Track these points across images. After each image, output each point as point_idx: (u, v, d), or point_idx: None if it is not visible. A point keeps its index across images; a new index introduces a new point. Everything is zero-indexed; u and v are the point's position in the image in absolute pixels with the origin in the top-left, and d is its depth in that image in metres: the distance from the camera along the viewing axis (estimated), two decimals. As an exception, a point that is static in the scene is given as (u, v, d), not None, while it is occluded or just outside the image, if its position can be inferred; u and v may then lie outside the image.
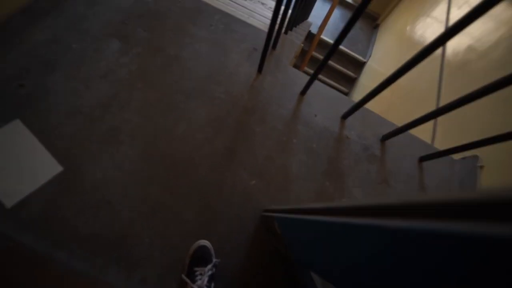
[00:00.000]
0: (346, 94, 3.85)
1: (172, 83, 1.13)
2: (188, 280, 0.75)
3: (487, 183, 1.13)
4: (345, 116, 1.22)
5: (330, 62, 3.64)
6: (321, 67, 1.01)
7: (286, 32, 1.48)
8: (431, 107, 1.63)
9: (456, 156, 1.26)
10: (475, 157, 1.19)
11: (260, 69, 1.21)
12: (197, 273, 0.76)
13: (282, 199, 1.02)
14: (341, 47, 3.73)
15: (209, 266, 0.77)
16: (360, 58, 3.76)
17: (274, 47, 1.31)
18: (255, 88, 1.19)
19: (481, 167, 1.17)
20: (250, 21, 1.47)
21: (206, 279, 0.74)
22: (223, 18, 1.38)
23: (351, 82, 3.85)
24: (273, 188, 1.03)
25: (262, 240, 0.94)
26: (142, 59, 1.15)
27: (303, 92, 1.21)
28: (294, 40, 1.45)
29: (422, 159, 1.24)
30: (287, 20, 1.35)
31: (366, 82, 3.45)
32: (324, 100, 1.26)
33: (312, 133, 1.16)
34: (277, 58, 1.32)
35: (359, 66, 3.80)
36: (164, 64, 1.17)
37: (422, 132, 1.29)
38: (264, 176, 1.04)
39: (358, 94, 3.46)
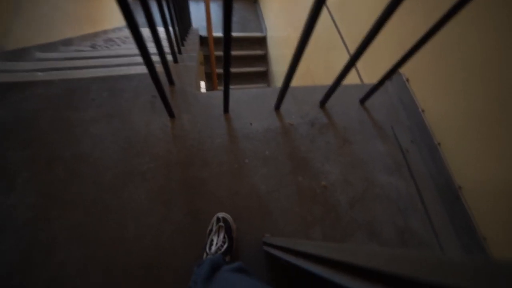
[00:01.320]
0: (268, 86, 3.91)
1: (90, 185, 0.96)
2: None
3: (417, 90, 1.20)
4: (277, 106, 1.19)
5: (237, 53, 3.63)
6: (227, 72, 0.94)
7: (176, 60, 1.38)
8: (342, 52, 1.69)
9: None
10: (399, 74, 1.26)
11: (171, 114, 1.10)
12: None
13: (270, 225, 0.95)
14: (237, 34, 3.74)
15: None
16: (259, 34, 3.82)
17: (171, 83, 1.20)
18: (178, 136, 1.08)
19: (407, 80, 1.24)
20: (133, 70, 1.33)
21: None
22: (102, 84, 1.22)
23: (264, 76, 3.92)
24: (256, 220, 0.95)
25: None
26: (37, 183, 0.96)
27: (226, 109, 1.14)
28: (187, 64, 1.35)
29: (362, 100, 1.27)
30: (175, 42, 1.25)
31: (276, 51, 3.53)
32: (250, 104, 1.20)
33: (258, 142, 1.10)
34: (181, 91, 1.22)
35: (262, 42, 3.87)
36: (68, 172, 0.98)
37: (348, 76, 1.33)
38: (241, 215, 0.95)
39: (278, 75, 3.52)
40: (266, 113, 1.18)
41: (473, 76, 0.95)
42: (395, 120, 1.28)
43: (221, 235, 0.81)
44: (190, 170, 1.01)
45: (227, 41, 0.73)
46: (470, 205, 1.07)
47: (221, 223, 0.85)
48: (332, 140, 1.16)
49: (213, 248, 0.78)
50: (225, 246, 0.80)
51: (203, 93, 1.25)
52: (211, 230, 0.86)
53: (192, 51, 1.64)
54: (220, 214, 0.90)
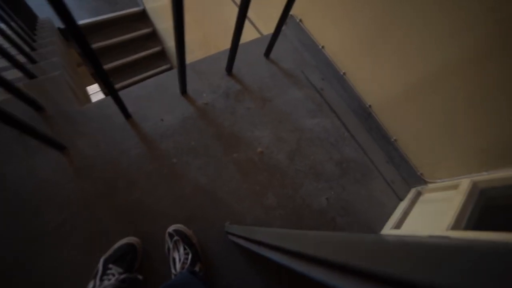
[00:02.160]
0: (170, 68, 3.52)
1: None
2: (100, 269, 0.69)
3: (312, 28, 1.24)
4: (183, 90, 1.07)
5: (118, 39, 3.10)
6: (100, 72, 0.76)
7: (31, 75, 1.06)
8: (232, 7, 1.58)
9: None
10: (291, 16, 1.26)
11: (59, 147, 0.87)
12: (109, 271, 0.68)
13: (227, 211, 0.92)
14: (106, 16, 3.14)
15: (124, 276, 0.67)
16: (136, 9, 3.29)
17: (38, 109, 0.93)
18: (82, 168, 0.88)
19: (301, 20, 1.25)
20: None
21: (111, 283, 0.65)
22: None
23: (162, 56, 3.48)
24: (211, 214, 0.90)
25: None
26: None
27: (126, 115, 0.96)
28: (50, 76, 1.05)
29: (267, 54, 1.25)
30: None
31: (164, 23, 3.15)
32: (152, 98, 1.05)
33: (178, 137, 1.00)
34: (59, 114, 0.97)
35: (143, 17, 3.38)
36: None
37: (247, 33, 1.27)
38: (195, 215, 0.89)
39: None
40: (175, 101, 1.06)
41: (356, 1, 1.00)
42: (302, 63, 1.31)
43: (181, 249, 0.76)
44: (117, 197, 0.86)
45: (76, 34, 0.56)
46: (380, 117, 1.24)
47: (176, 237, 0.79)
48: (252, 105, 1.13)
49: (178, 265, 0.72)
50: (189, 257, 0.75)
51: (91, 104, 1.02)
52: (168, 248, 0.79)
53: (52, 54, 1.29)
54: (170, 229, 0.82)
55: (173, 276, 0.74)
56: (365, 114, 1.30)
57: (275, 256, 0.39)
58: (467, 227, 0.96)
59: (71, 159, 0.89)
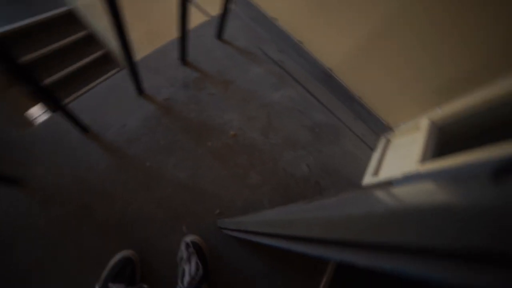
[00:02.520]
0: (120, 70, 3.24)
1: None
2: None
3: (260, 2, 1.21)
4: (139, 90, 1.01)
5: (49, 48, 2.77)
6: (34, 86, 0.69)
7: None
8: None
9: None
10: (233, -9, 1.21)
11: (13, 181, 0.79)
12: None
13: (214, 202, 0.92)
14: (30, 21, 2.77)
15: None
16: (62, 9, 2.94)
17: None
18: (49, 197, 0.81)
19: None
20: None
21: None
22: None
23: (107, 60, 3.17)
24: (198, 208, 0.90)
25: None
26: None
27: (82, 129, 0.89)
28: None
29: (219, 35, 1.21)
30: None
31: (103, 22, 2.88)
32: (107, 104, 0.97)
33: (145, 138, 0.95)
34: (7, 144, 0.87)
35: (74, 18, 3.04)
36: None
37: (194, 17, 1.20)
38: (181, 213, 0.87)
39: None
40: (133, 103, 0.99)
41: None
42: (257, 39, 1.29)
43: (193, 263, 0.74)
44: (97, 216, 0.82)
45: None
46: (342, 78, 1.28)
47: (191, 249, 0.77)
48: (214, 90, 1.10)
49: (186, 279, 0.71)
50: (200, 274, 0.73)
51: (38, 126, 0.93)
52: (181, 258, 0.78)
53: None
54: (188, 239, 0.81)
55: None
56: (327, 78, 1.33)
57: (273, 241, 0.40)
58: (432, 158, 1.07)
59: (33, 193, 0.81)
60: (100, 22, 2.92)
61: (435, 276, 0.15)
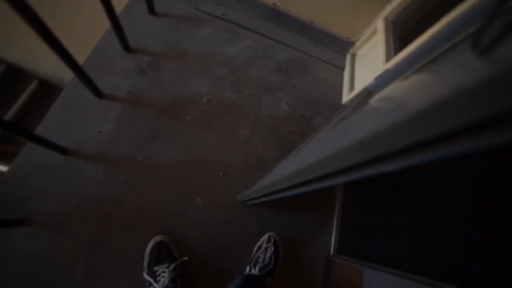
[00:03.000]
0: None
1: None
2: (150, 279, 0.74)
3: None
4: (99, 94, 0.97)
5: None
6: None
7: None
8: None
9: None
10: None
11: (19, 222, 0.79)
12: (158, 272, 0.74)
13: (217, 165, 0.95)
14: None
15: (172, 266, 0.74)
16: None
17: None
18: (59, 224, 0.82)
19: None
20: None
21: (167, 278, 0.72)
22: None
23: (47, 87, 2.89)
24: (206, 179, 0.93)
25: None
26: None
27: (61, 150, 0.87)
28: None
29: (151, 11, 1.14)
30: None
31: (18, 48, 2.62)
32: (73, 119, 0.94)
33: (126, 135, 0.94)
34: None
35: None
36: None
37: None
38: (191, 188, 0.91)
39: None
40: (99, 108, 0.97)
41: None
42: (191, 1, 1.23)
43: (267, 256, 0.82)
44: (115, 222, 0.84)
45: None
46: (289, 10, 1.26)
47: (271, 244, 0.85)
48: (172, 65, 1.08)
49: (258, 266, 0.80)
50: (269, 267, 0.81)
51: (15, 163, 0.90)
52: (260, 246, 0.86)
53: None
54: (272, 234, 0.88)
55: (248, 270, 0.82)
56: (274, 14, 1.31)
57: (295, 191, 0.44)
58: (395, 53, 1.11)
59: (39, 225, 0.82)
60: (14, 48, 2.67)
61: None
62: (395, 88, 0.36)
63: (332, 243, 0.95)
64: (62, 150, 0.88)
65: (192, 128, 0.99)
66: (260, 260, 0.82)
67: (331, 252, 0.93)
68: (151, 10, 1.12)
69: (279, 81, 1.19)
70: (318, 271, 0.91)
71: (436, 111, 0.16)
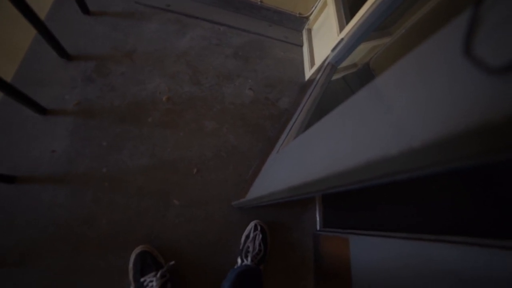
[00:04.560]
0: None
1: None
2: None
3: None
4: (42, 111, 0.88)
5: None
6: None
7: None
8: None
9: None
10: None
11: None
12: (146, 282, 0.72)
13: (189, 163, 0.91)
14: None
15: (160, 273, 0.71)
16: None
17: None
18: (24, 255, 0.75)
19: None
20: None
21: (157, 286, 0.70)
22: None
23: None
24: (179, 179, 0.89)
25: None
26: None
27: (8, 179, 0.79)
28: None
29: (84, 10, 1.04)
30: None
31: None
32: (16, 144, 0.85)
33: (85, 149, 0.87)
34: None
35: None
36: None
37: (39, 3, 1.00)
38: (164, 191, 0.87)
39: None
40: (44, 127, 0.87)
41: None
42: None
43: (257, 244, 0.83)
44: (92, 240, 0.78)
45: None
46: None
47: (258, 231, 0.85)
48: (121, 67, 1.00)
49: (249, 256, 0.80)
50: (261, 254, 0.82)
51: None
52: (247, 236, 0.85)
53: None
54: (258, 222, 0.88)
55: (239, 262, 0.81)
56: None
57: (302, 197, 0.41)
58: (347, 22, 1.11)
59: (10, 264, 0.74)
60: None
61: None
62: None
63: (317, 219, 0.97)
64: (9, 179, 0.80)
65: (156, 129, 0.94)
66: (250, 249, 0.82)
67: (318, 228, 0.94)
68: (84, 9, 1.02)
69: (238, 67, 1.15)
70: (307, 248, 0.92)
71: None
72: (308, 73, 1.29)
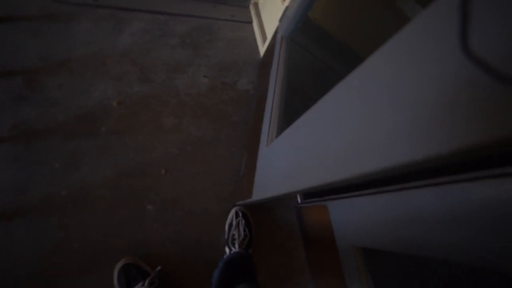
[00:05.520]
0: None
1: None
2: None
3: None
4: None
5: None
6: None
7: None
8: None
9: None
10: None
11: None
12: None
13: (156, 163, 0.86)
14: None
15: (147, 281, 0.69)
16: None
17: None
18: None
19: None
20: None
21: None
22: None
23: None
24: (148, 182, 0.85)
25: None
26: None
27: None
28: None
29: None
30: None
31: None
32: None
33: (37, 175, 0.79)
34: None
35: None
36: None
37: None
38: (136, 195, 0.82)
39: None
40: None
41: None
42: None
43: (241, 229, 0.82)
44: (68, 267, 0.73)
45: None
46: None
47: (240, 218, 0.83)
48: (58, 79, 0.91)
49: (236, 243, 0.79)
50: (247, 239, 0.81)
51: None
52: (231, 224, 0.84)
53: None
54: (238, 208, 0.86)
55: (227, 251, 0.79)
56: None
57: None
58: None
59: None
60: None
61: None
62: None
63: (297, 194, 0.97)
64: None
65: (113, 138, 0.87)
66: (236, 236, 0.81)
67: (299, 202, 0.95)
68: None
69: (188, 56, 1.09)
70: (293, 222, 0.93)
71: None
72: (262, 49, 1.25)
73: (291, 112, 0.88)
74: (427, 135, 0.19)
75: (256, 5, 1.39)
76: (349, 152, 0.28)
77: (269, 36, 1.23)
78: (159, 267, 0.72)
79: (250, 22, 1.35)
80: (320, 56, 1.21)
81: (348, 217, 0.65)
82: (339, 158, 0.30)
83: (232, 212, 0.86)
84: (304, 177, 0.40)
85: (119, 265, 0.74)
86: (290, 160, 0.49)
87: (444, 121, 0.18)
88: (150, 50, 1.05)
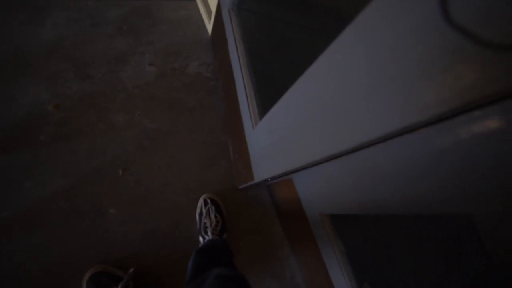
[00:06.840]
0: None
1: None
2: None
3: None
4: None
5: None
6: None
7: None
8: None
9: None
10: None
11: None
12: None
13: (122, 165, 0.80)
14: None
15: (120, 286, 0.66)
16: None
17: None
18: None
19: None
20: None
21: None
22: None
23: None
24: (100, 189, 0.79)
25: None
26: None
27: None
28: None
29: None
30: None
31: None
32: None
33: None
34: None
35: None
36: None
37: None
38: (97, 209, 0.77)
39: None
40: None
41: None
42: None
43: (212, 216, 0.80)
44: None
45: None
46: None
47: (209, 205, 0.82)
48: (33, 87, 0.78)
49: (209, 231, 0.77)
50: (220, 225, 0.79)
51: None
52: (201, 213, 0.82)
53: None
54: (206, 196, 0.84)
55: (202, 240, 0.77)
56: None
57: None
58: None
59: None
60: None
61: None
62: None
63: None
64: None
65: (56, 146, 0.79)
66: (208, 224, 0.79)
67: (269, 180, 0.94)
68: None
69: (130, 44, 0.99)
70: (265, 201, 0.93)
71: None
72: (210, 26, 1.17)
73: (269, 86, 0.81)
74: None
75: (197, -21, 1.28)
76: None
77: (214, 10, 1.15)
78: (131, 269, 0.69)
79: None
80: (281, 16, 1.13)
81: (311, 187, 0.66)
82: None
83: (201, 200, 0.84)
84: (299, 153, 0.43)
85: (86, 276, 0.69)
86: (281, 136, 0.51)
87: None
88: (84, 42, 0.94)
